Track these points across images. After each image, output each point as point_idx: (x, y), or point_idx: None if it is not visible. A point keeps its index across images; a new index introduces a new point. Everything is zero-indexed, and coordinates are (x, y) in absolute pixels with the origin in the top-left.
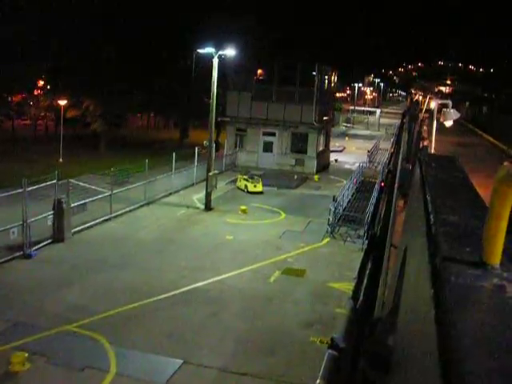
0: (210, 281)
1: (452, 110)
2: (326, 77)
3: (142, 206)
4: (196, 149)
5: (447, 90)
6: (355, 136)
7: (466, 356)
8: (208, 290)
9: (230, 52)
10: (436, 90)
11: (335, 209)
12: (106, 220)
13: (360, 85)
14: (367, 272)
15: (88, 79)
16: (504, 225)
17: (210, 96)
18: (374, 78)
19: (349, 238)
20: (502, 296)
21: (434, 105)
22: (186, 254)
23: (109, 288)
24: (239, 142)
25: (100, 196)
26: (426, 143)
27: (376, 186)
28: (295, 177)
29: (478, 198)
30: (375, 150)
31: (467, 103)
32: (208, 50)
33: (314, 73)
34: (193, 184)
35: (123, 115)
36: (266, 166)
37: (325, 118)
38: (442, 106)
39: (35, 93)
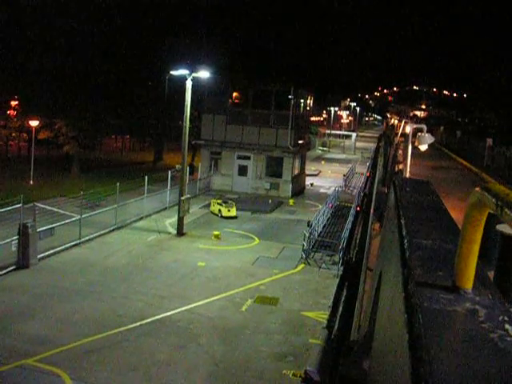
0: (179, 310)
1: (427, 135)
2: (302, 100)
3: (112, 230)
4: (169, 172)
5: (422, 115)
6: (331, 160)
7: (439, 382)
8: (177, 320)
9: (204, 74)
10: (411, 114)
11: (310, 234)
12: (75, 245)
13: (336, 109)
14: (342, 299)
15: (61, 99)
16: (476, 249)
17: (184, 118)
18: (350, 101)
19: (324, 265)
20: (475, 320)
21: (409, 129)
22: (155, 281)
23: (73, 318)
24: (214, 166)
25: (68, 220)
26: (401, 167)
27: (352, 210)
28: (270, 201)
29: (451, 222)
30: (351, 173)
31: (442, 127)
32: (181, 71)
33: (290, 96)
34: (165, 208)
35: (96, 137)
36: (241, 189)
37: (300, 141)
38: (416, 130)
39: (8, 113)
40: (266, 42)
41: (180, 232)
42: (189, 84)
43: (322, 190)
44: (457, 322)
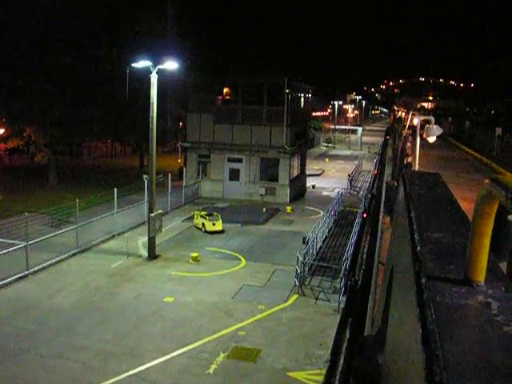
0: (124, 375)
1: (435, 126)
2: (300, 94)
3: (74, 254)
4: (145, 180)
5: (429, 106)
6: (336, 157)
7: (453, 376)
8: None
9: (171, 65)
10: (418, 106)
11: (305, 256)
12: (21, 278)
13: (341, 103)
14: (344, 347)
15: (26, 106)
16: (487, 241)
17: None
18: (356, 95)
19: (322, 294)
20: (488, 313)
21: (416, 121)
22: (104, 329)
23: None
24: (202, 170)
25: (7, 250)
26: (410, 160)
27: (357, 219)
28: (264, 210)
29: (462, 214)
30: (357, 172)
31: (450, 118)
32: (143, 63)
33: (287, 90)
34: (144, 222)
35: (77, 143)
36: (233, 196)
37: (299, 140)
38: (424, 122)
39: None
40: (262, 30)
41: (152, 255)
42: (154, 78)
43: (324, 193)
44: (470, 316)
